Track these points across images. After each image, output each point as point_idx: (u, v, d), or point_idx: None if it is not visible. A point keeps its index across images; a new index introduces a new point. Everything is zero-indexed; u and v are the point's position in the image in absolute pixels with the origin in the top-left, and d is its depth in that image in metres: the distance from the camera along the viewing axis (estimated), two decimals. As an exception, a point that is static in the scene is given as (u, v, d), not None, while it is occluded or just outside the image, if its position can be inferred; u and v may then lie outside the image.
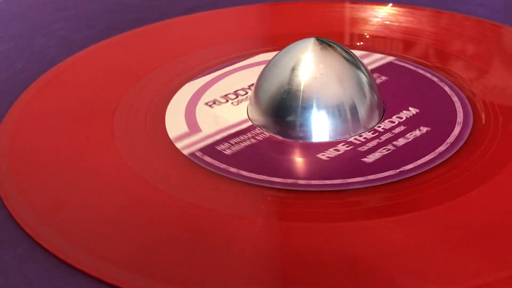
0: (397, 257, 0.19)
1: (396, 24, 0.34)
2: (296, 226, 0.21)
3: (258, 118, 0.26)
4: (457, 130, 0.25)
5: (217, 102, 0.27)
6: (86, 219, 0.21)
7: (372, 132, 0.25)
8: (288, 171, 0.23)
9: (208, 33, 0.34)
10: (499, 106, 0.27)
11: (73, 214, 0.22)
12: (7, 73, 0.31)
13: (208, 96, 0.28)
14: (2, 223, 0.21)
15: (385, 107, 0.26)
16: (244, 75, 0.29)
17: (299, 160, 0.24)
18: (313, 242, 0.20)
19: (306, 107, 0.25)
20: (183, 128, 0.26)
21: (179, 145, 0.25)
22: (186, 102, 0.27)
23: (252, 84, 0.28)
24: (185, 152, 0.24)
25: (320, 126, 0.25)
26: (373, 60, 0.30)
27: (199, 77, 0.29)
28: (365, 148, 0.24)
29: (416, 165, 0.23)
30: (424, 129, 0.25)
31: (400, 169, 0.23)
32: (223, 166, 0.23)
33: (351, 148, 0.24)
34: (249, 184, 0.22)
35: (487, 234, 0.20)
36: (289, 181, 0.23)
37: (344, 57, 0.25)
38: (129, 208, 0.22)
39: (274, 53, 0.27)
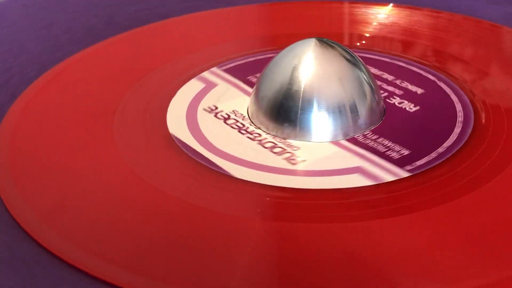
0: (397, 257, 0.19)
1: (396, 24, 0.34)
2: (296, 226, 0.21)
3: (258, 117, 0.26)
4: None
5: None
6: (86, 219, 0.21)
7: (372, 132, 0.25)
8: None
9: (208, 33, 0.34)
10: (499, 107, 0.27)
11: (73, 214, 0.22)
12: (7, 73, 0.31)
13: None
14: (1, 223, 0.21)
15: (385, 106, 0.27)
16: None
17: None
18: (313, 242, 0.20)
19: (306, 107, 0.25)
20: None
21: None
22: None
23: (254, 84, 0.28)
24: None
25: (321, 126, 0.25)
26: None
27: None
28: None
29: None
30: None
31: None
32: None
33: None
34: (250, 184, 0.22)
35: (488, 235, 0.20)
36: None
37: (345, 57, 0.25)
38: (129, 208, 0.22)
39: (274, 53, 0.27)
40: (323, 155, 0.24)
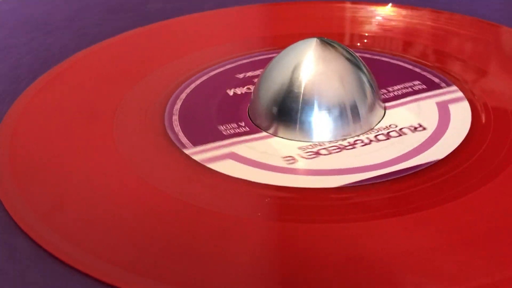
0: (397, 257, 0.19)
1: (396, 24, 0.34)
2: (296, 226, 0.21)
3: (258, 117, 0.26)
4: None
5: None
6: (86, 219, 0.21)
7: (372, 132, 0.25)
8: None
9: (208, 33, 0.34)
10: (499, 106, 0.26)
11: (73, 214, 0.22)
12: (7, 73, 0.31)
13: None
14: (1, 223, 0.21)
15: (385, 107, 0.27)
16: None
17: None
18: (314, 242, 0.20)
19: (307, 107, 0.25)
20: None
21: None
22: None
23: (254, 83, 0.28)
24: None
25: (321, 126, 0.25)
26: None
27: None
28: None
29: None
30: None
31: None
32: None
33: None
34: (250, 184, 0.22)
35: (487, 235, 0.20)
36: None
37: (346, 57, 0.25)
38: (129, 208, 0.22)
39: (275, 53, 0.27)
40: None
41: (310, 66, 0.25)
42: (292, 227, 0.21)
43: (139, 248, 0.20)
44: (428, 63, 0.30)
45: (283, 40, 0.31)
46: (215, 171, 0.23)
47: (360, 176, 0.23)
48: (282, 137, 0.25)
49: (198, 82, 0.29)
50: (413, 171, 0.23)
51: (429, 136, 0.25)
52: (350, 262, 0.19)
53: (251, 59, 0.31)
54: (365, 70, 0.26)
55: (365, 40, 0.33)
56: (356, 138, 0.25)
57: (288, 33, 0.33)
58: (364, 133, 0.25)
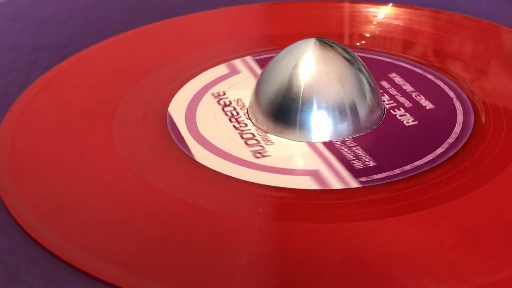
0: (398, 257, 0.19)
1: (396, 24, 0.34)
2: (296, 226, 0.21)
3: (258, 118, 0.26)
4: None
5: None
6: (86, 219, 0.21)
7: (372, 132, 0.25)
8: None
9: (208, 33, 0.34)
10: (499, 106, 0.27)
11: (73, 214, 0.22)
12: (7, 73, 0.31)
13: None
14: (2, 223, 0.21)
15: (385, 107, 0.27)
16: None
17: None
18: (313, 242, 0.20)
19: (306, 107, 0.25)
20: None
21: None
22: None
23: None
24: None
25: (320, 126, 0.25)
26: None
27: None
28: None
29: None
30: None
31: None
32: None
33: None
34: (250, 184, 0.22)
35: (488, 234, 0.20)
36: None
37: (345, 58, 0.25)
38: (129, 208, 0.22)
39: (274, 53, 0.27)
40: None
41: (309, 66, 0.25)
42: (292, 227, 0.21)
43: (139, 248, 0.20)
44: (428, 63, 0.30)
45: (282, 40, 0.31)
46: (216, 171, 0.23)
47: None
48: (282, 138, 0.25)
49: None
50: (414, 172, 0.23)
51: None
52: (350, 262, 0.19)
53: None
54: (364, 70, 0.26)
55: (363, 41, 0.33)
56: (359, 137, 0.25)
57: (287, 33, 0.33)
58: (366, 132, 0.25)
